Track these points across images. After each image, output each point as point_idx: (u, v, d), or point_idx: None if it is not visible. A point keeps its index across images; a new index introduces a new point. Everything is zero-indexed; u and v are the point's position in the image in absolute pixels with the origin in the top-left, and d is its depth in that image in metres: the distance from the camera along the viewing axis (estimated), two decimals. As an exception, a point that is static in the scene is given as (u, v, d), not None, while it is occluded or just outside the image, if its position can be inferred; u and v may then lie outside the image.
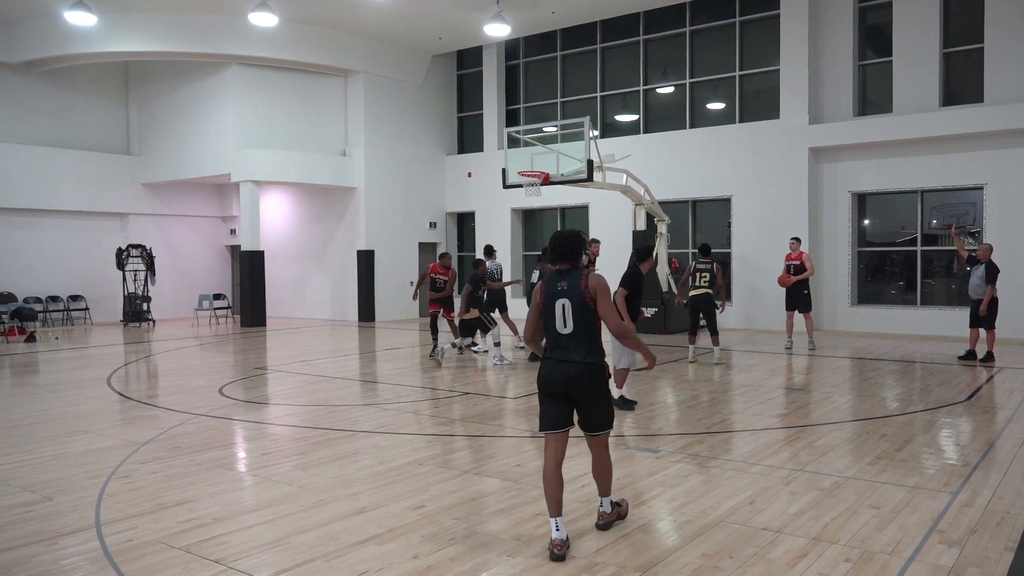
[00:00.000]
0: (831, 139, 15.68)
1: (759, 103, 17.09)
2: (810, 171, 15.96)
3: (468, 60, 21.53)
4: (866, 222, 16.18)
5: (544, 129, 16.31)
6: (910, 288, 15.61)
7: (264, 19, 15.77)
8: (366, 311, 19.72)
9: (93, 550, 4.35)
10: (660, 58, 18.57)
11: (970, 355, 11.32)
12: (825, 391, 9.15)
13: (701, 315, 11.66)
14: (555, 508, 4.21)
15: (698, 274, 11.52)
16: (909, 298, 15.58)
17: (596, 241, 13.60)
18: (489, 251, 13.84)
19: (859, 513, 4.76)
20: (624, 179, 15.21)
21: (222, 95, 18.70)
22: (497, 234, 20.32)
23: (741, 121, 17.13)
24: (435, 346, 12.07)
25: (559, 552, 4.07)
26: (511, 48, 20.62)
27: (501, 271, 13.93)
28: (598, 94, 19.29)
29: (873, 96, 15.94)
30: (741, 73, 17.20)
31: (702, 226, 17.96)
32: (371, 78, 19.56)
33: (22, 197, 18.35)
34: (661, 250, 16.31)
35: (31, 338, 16.15)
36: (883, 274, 16.29)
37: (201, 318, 20.65)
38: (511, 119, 20.53)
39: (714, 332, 11.53)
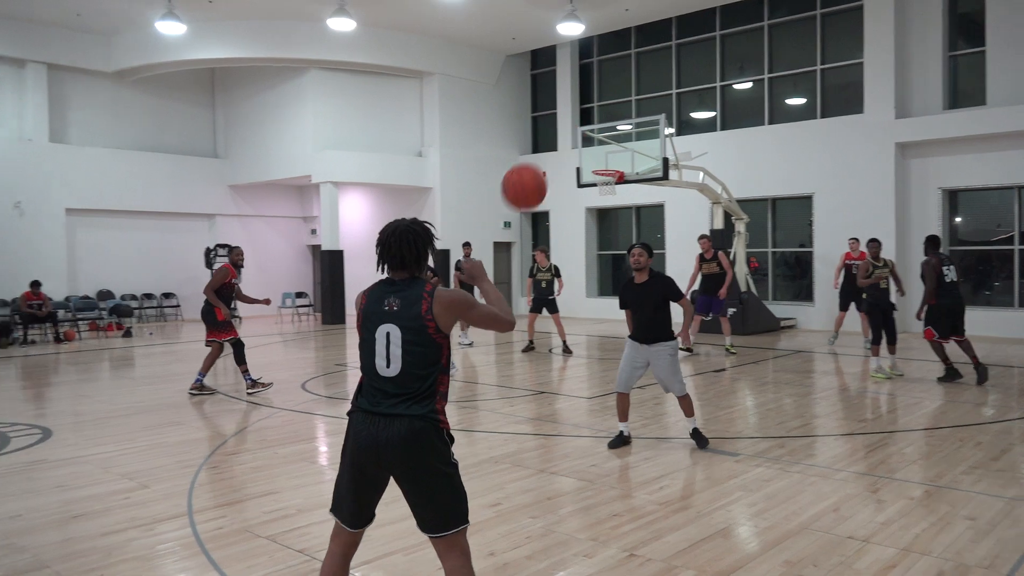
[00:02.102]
0: (919, 134, 15.06)
1: (842, 98, 16.55)
2: (896, 167, 15.37)
3: (542, 59, 21.54)
4: (958, 220, 15.48)
5: (618, 127, 16.20)
6: (1007, 289, 14.85)
7: (342, 24, 16.14)
8: (441, 310, 19.94)
9: (186, 536, 4.54)
10: (737, 53, 18.20)
11: (1073, 360, 10.68)
12: (915, 395, 8.80)
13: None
14: None
15: (876, 269, 9.95)
16: (1006, 299, 14.82)
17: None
18: (465, 246, 14.21)
19: (952, 524, 4.56)
20: (701, 177, 14.96)
21: (302, 99, 19.24)
22: (571, 234, 20.30)
23: (823, 116, 16.64)
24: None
25: None
26: (585, 46, 20.54)
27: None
28: (673, 91, 19.03)
29: (965, 88, 15.23)
30: (823, 67, 16.70)
31: (782, 225, 17.52)
32: (446, 79, 19.79)
33: (119, 199, 19.31)
34: (739, 249, 16.00)
35: (127, 333, 16.97)
36: (977, 274, 15.55)
37: (284, 315, 21.29)
38: (585, 118, 20.45)
39: (892, 340, 9.95)
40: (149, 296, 20.07)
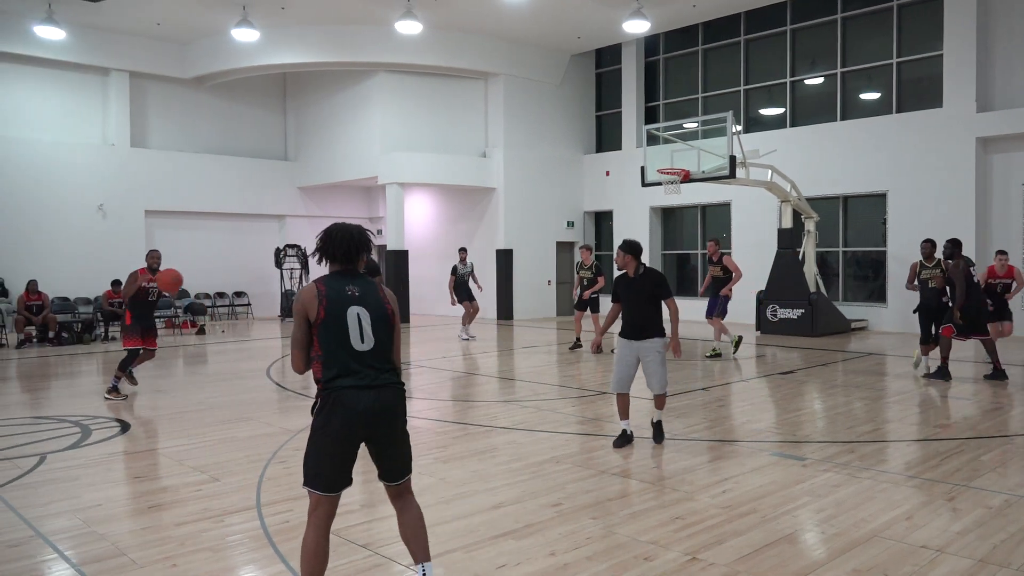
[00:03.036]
0: (1003, 127, 14.42)
1: (919, 91, 15.98)
2: (977, 163, 14.76)
3: (607, 58, 21.41)
4: (1044, 217, 14.77)
5: (684, 125, 15.99)
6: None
7: (409, 27, 16.35)
8: (505, 309, 20.04)
9: (254, 529, 4.67)
10: (809, 48, 17.74)
11: None
12: (995, 401, 8.43)
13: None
14: None
15: (924, 271, 9.84)
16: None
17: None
18: (461, 251, 15.19)
19: (1034, 536, 4.36)
20: (769, 175, 14.65)
21: (369, 101, 19.59)
22: (635, 233, 20.10)
23: (899, 111, 16.08)
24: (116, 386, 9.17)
25: None
26: (651, 44, 20.33)
27: (468, 275, 15.08)
28: (741, 88, 18.67)
29: (1053, 79, 14.52)
30: (899, 60, 16.14)
31: (853, 223, 17.01)
32: (511, 80, 19.86)
33: (194, 201, 20.03)
34: (809, 249, 15.61)
35: (201, 331, 17.56)
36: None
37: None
38: (650, 116, 20.25)
39: (935, 339, 9.93)
40: (221, 295, 20.73)
